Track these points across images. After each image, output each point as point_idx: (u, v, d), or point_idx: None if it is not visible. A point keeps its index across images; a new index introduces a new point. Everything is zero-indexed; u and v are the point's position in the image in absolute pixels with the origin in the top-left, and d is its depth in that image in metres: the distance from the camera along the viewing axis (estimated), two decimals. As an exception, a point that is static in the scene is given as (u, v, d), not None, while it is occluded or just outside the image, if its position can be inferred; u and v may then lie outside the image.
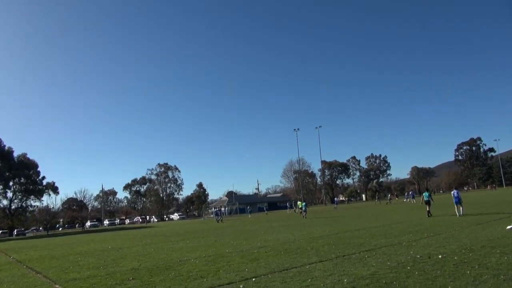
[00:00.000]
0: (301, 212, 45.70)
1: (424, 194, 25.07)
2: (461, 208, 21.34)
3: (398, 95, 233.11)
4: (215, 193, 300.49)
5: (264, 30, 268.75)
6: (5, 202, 75.85)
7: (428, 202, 23.83)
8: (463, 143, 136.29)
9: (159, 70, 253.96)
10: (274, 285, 7.65)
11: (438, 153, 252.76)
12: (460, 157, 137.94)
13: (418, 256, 9.46)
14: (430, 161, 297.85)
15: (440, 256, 9.22)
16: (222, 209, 69.28)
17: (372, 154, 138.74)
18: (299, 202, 52.72)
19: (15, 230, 75.69)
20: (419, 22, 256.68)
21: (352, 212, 41.24)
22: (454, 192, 22.01)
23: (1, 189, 74.25)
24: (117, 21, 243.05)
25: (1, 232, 75.95)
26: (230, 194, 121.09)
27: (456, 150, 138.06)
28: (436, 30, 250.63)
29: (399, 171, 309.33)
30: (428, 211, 23.26)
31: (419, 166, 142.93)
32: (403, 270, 8.02)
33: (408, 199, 55.29)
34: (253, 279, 8.44)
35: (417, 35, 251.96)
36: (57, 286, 9.96)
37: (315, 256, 10.99)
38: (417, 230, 15.76)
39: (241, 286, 7.83)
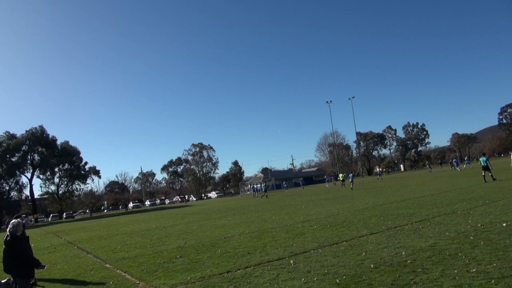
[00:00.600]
0: (342, 184, 45.24)
1: (481, 159, 23.78)
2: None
3: (433, 59, 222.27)
4: (250, 170, 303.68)
5: (294, 1, 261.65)
6: (53, 187, 79.88)
7: (486, 167, 22.70)
8: (507, 106, 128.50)
9: (191, 52, 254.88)
10: (326, 260, 7.30)
11: (480, 118, 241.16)
12: (504, 121, 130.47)
13: (479, 225, 8.79)
14: (472, 127, 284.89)
15: (504, 225, 8.50)
16: (258, 185, 69.55)
17: (408, 122, 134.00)
18: (340, 175, 51.82)
19: (64, 213, 79.85)
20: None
21: (394, 182, 40.11)
22: None
23: (49, 175, 78.09)
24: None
25: (52, 216, 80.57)
26: (265, 171, 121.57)
27: (500, 113, 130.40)
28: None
29: (438, 139, 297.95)
30: (485, 176, 22.42)
31: (460, 132, 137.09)
32: (466, 241, 7.43)
33: (453, 167, 51.68)
34: (303, 254, 8.14)
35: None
36: (107, 265, 10.12)
37: (364, 228, 10.53)
38: (470, 198, 14.87)
39: (292, 261, 7.54)
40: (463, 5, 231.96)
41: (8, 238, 6.23)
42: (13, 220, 6.58)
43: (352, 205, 18.52)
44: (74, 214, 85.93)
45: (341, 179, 47.95)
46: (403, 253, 7.07)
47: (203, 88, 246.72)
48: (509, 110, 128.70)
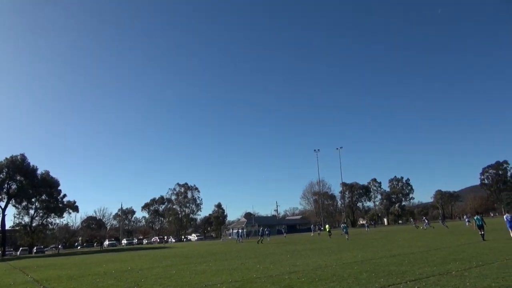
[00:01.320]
0: (329, 235, 44.51)
1: (476, 218, 24.14)
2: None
3: (420, 116, 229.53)
4: (233, 214, 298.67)
5: (286, 43, 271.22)
6: (26, 219, 76.43)
7: (481, 227, 23.04)
8: (489, 167, 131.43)
9: (180, 92, 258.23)
10: (319, 320, 6.64)
11: (463, 177, 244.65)
12: (486, 181, 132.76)
13: (479, 289, 8.29)
14: (455, 185, 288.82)
15: (505, 290, 8.03)
16: (240, 230, 67.68)
17: (395, 176, 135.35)
18: (327, 226, 51.16)
19: (35, 248, 75.87)
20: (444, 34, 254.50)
21: (380, 235, 39.44)
22: (507, 216, 21.96)
23: (25, 205, 74.98)
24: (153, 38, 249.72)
25: (21, 250, 76.30)
26: (248, 215, 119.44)
27: (482, 173, 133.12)
28: (459, 53, 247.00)
29: (422, 195, 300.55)
30: (482, 235, 22.53)
31: (443, 190, 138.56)
32: (469, 306, 6.90)
33: (426, 226, 53.05)
34: (293, 311, 7.46)
35: (438, 57, 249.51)
36: (75, 311, 9.17)
37: (356, 285, 9.89)
38: (462, 257, 14.40)
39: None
40: (453, 59, 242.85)
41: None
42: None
43: (340, 257, 17.80)
44: (45, 249, 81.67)
45: (327, 230, 47.25)
46: (402, 316, 6.50)
47: (190, 129, 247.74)
48: (490, 171, 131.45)
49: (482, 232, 22.81)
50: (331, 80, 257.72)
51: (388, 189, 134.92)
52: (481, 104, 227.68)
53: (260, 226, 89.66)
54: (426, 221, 54.63)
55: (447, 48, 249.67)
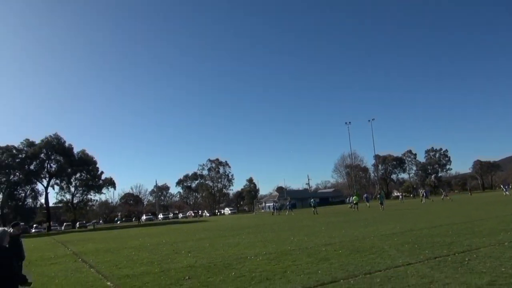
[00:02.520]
0: (355, 207, 43.59)
1: None
2: None
3: (456, 83, 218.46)
4: (265, 188, 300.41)
5: (314, 18, 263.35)
6: (68, 196, 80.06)
7: None
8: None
9: (212, 67, 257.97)
10: (362, 294, 6.10)
11: (504, 145, 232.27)
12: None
13: (541, 261, 7.45)
14: (495, 154, 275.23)
15: None
16: (275, 204, 67.68)
17: (432, 147, 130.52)
18: (354, 197, 50.20)
19: (78, 223, 79.66)
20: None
21: (416, 206, 38.23)
22: None
23: (65, 184, 78.40)
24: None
25: (65, 224, 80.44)
26: (280, 189, 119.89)
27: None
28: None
29: (460, 166, 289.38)
30: None
31: (483, 159, 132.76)
32: (533, 280, 6.14)
33: (423, 198, 51.08)
34: (332, 284, 6.96)
35: (485, 19, 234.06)
36: (108, 283, 9.11)
37: (399, 257, 9.24)
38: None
39: (319, 293, 6.38)
40: (495, 27, 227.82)
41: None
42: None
43: (376, 229, 17.11)
44: (88, 224, 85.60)
45: (354, 202, 46.26)
46: (456, 291, 5.84)
47: (221, 104, 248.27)
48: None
49: None
50: (361, 47, 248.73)
51: (424, 160, 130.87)
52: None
53: (293, 200, 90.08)
54: (425, 193, 52.56)
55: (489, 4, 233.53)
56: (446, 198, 52.23)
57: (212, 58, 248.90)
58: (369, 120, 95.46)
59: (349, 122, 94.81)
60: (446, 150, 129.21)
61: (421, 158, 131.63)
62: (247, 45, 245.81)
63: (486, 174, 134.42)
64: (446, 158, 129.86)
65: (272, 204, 71.08)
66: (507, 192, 52.07)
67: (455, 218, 19.59)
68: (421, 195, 52.88)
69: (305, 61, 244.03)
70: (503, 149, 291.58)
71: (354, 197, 49.73)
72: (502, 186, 59.02)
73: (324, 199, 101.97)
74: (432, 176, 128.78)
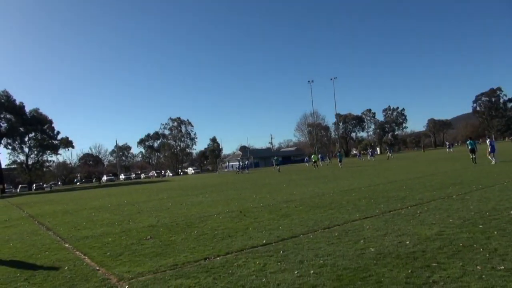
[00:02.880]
0: (315, 165, 45.29)
1: (468, 142, 25.91)
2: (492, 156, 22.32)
3: (414, 44, 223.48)
4: (228, 147, 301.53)
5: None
6: (22, 157, 76.62)
7: (472, 150, 24.37)
8: (482, 94, 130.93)
9: (172, 21, 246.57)
10: (320, 248, 6.31)
11: (456, 105, 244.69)
12: (478, 108, 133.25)
13: (485, 212, 7.99)
14: (448, 113, 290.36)
15: (512, 212, 7.74)
16: (241, 163, 68.11)
17: (389, 106, 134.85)
18: (313, 155, 51.84)
19: (34, 185, 76.89)
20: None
21: (374, 164, 39.89)
22: (489, 141, 23.06)
23: (17, 144, 74.66)
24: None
25: (21, 187, 77.36)
26: (243, 148, 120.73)
27: (474, 101, 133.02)
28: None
29: (415, 124, 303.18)
30: (473, 159, 23.97)
31: (436, 118, 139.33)
32: (477, 230, 6.58)
33: (371, 158, 55.66)
34: (292, 240, 7.14)
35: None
36: (66, 245, 8.89)
37: (356, 211, 9.63)
38: (460, 182, 14.25)
39: (280, 248, 6.54)
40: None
41: None
42: None
43: (336, 185, 17.73)
44: (45, 185, 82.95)
45: (313, 160, 48.17)
46: (408, 242, 6.16)
47: (183, 62, 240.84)
48: (483, 99, 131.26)
49: (473, 156, 23.96)
50: (325, 6, 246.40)
51: (382, 119, 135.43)
52: (473, 29, 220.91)
53: (255, 159, 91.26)
54: (370, 152, 56.63)
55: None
56: (390, 157, 54.81)
57: (180, 14, 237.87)
58: (331, 79, 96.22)
59: (312, 81, 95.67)
60: (403, 109, 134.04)
61: (380, 117, 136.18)
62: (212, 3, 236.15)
63: (439, 132, 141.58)
64: (403, 117, 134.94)
65: (236, 163, 71.62)
66: (450, 150, 56.57)
67: (409, 174, 20.61)
68: (387, 153, 56.96)
69: (270, 19, 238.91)
70: (454, 108, 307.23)
71: (313, 156, 51.41)
72: (447, 144, 63.55)
73: (286, 157, 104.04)
74: (389, 134, 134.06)
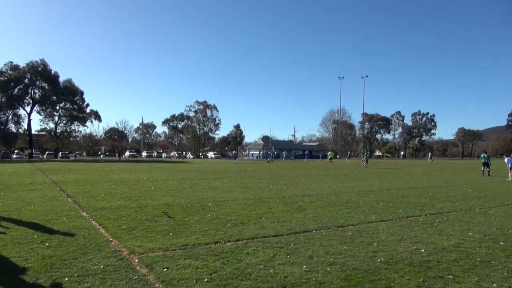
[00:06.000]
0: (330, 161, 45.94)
1: (482, 155, 26.63)
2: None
3: (452, 53, 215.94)
4: (251, 135, 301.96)
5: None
6: (51, 125, 79.01)
7: (485, 164, 25.23)
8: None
9: (204, 11, 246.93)
10: (331, 245, 6.23)
11: (489, 116, 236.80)
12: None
13: (508, 230, 7.69)
14: (479, 124, 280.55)
15: (537, 232, 7.41)
16: (266, 152, 68.00)
17: (419, 111, 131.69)
18: (329, 153, 51.76)
19: (60, 153, 79.30)
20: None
21: (397, 166, 39.08)
22: (507, 159, 23.48)
23: (49, 112, 76.96)
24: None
25: (47, 153, 79.99)
26: (265, 138, 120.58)
27: (510, 114, 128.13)
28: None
29: (443, 132, 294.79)
30: (483, 171, 25.12)
31: (466, 127, 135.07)
32: (496, 246, 6.34)
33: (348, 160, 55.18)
34: (304, 234, 7.08)
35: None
36: (84, 213, 9.13)
37: (372, 213, 9.46)
38: (485, 195, 13.77)
39: (291, 240, 6.49)
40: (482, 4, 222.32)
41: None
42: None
43: (355, 185, 17.47)
44: (70, 154, 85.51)
45: (329, 157, 48.09)
46: (423, 250, 6.00)
47: (214, 48, 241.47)
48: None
49: (485, 169, 25.08)
50: (361, 6, 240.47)
51: (410, 124, 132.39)
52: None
53: (276, 150, 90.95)
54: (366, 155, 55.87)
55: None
56: (429, 162, 54.51)
57: (212, 4, 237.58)
58: (362, 77, 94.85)
59: (343, 77, 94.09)
60: (433, 115, 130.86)
61: (408, 122, 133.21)
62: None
63: (468, 142, 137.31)
64: (432, 123, 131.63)
65: (257, 152, 71.67)
66: (431, 160, 59.21)
67: (431, 182, 20.08)
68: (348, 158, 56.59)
69: (308, 12, 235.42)
70: (487, 120, 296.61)
71: (329, 153, 51.57)
72: (429, 154, 68.99)
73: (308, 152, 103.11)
74: (416, 140, 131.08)
